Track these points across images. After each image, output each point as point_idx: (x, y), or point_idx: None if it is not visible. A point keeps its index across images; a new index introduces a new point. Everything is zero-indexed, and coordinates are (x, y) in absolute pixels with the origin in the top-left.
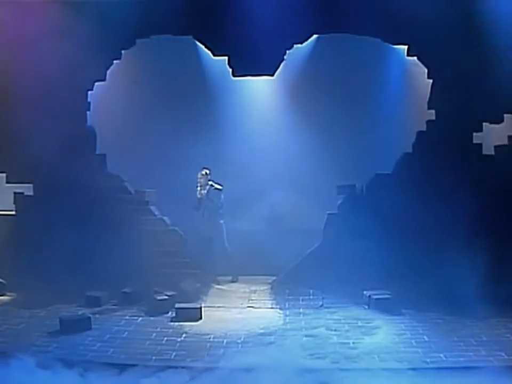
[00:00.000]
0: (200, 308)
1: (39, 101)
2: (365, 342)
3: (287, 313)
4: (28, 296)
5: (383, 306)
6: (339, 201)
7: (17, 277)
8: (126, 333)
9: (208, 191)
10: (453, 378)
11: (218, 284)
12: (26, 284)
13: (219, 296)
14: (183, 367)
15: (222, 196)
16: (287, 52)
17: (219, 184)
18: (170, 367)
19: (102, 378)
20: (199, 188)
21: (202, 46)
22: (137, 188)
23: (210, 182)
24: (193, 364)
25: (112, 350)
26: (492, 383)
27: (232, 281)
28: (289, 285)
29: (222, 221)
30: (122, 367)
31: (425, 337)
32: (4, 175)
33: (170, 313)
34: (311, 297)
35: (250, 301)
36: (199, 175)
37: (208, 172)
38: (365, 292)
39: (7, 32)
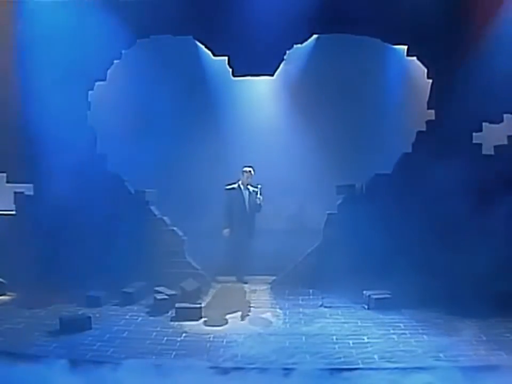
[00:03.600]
0: (200, 307)
1: (39, 100)
2: (364, 341)
3: (287, 313)
4: (28, 296)
5: (383, 306)
6: (339, 201)
7: (17, 276)
8: (126, 332)
9: (254, 193)
10: (452, 377)
11: (218, 284)
12: (26, 283)
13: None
14: None
15: (261, 197)
16: (287, 52)
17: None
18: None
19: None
20: (239, 187)
21: (203, 46)
22: (137, 188)
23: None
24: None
25: (112, 349)
26: (491, 382)
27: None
28: (289, 284)
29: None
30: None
31: (424, 336)
32: (4, 174)
33: (170, 313)
34: (311, 297)
35: (250, 301)
36: (247, 175)
37: (252, 170)
38: (364, 292)
39: (7, 32)
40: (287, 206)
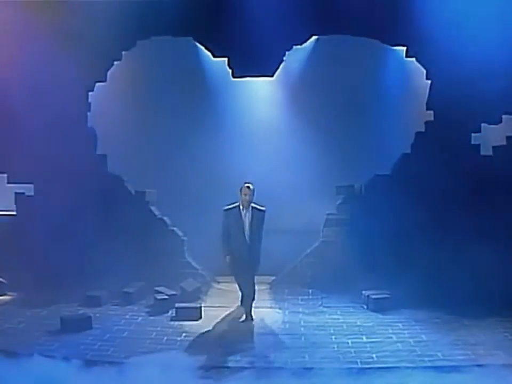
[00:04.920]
0: (200, 307)
1: (39, 101)
2: (363, 341)
3: (286, 313)
4: (28, 296)
5: (382, 306)
6: (338, 202)
7: (17, 276)
8: (126, 332)
9: (252, 213)
10: (451, 376)
11: (218, 284)
12: (27, 283)
13: (219, 296)
14: None
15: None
16: (287, 53)
17: (261, 206)
18: None
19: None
20: (240, 207)
21: (202, 47)
22: (137, 188)
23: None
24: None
25: (112, 349)
26: (490, 382)
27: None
28: (288, 284)
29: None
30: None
31: (423, 336)
32: (5, 175)
33: (170, 312)
34: (310, 297)
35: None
36: (245, 191)
37: (251, 186)
38: (363, 292)
39: (8, 32)
40: (287, 207)
